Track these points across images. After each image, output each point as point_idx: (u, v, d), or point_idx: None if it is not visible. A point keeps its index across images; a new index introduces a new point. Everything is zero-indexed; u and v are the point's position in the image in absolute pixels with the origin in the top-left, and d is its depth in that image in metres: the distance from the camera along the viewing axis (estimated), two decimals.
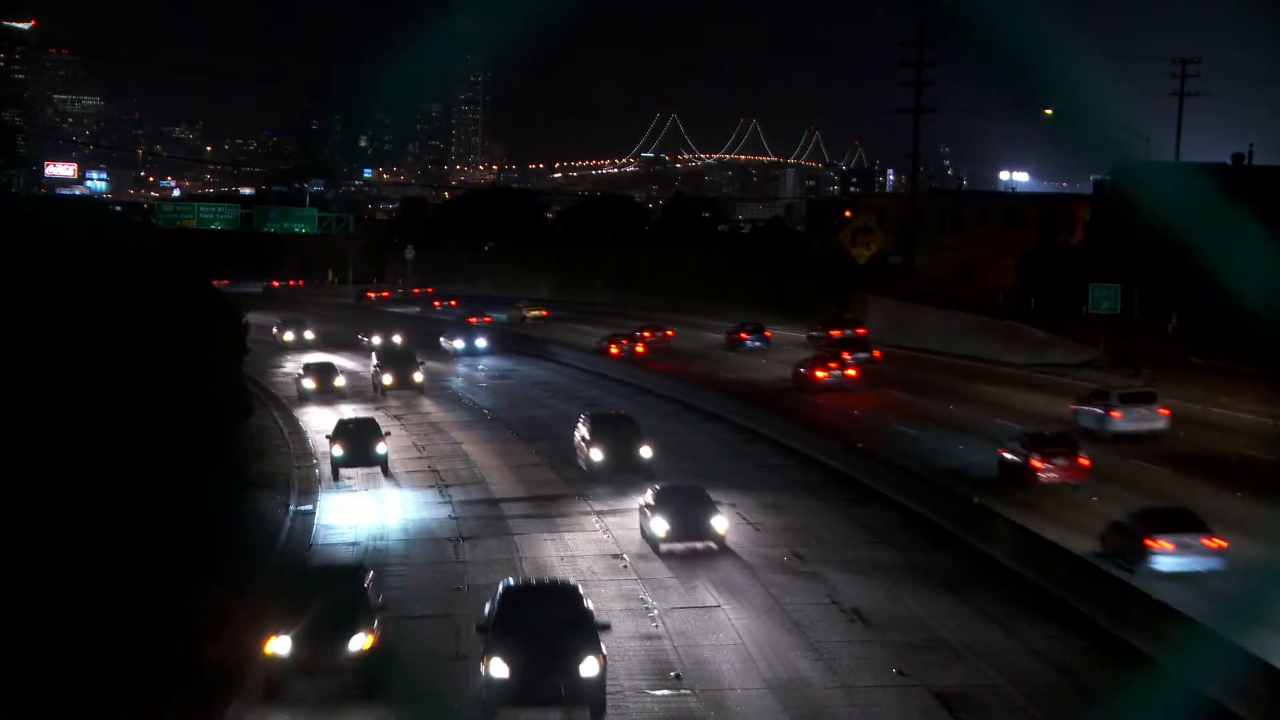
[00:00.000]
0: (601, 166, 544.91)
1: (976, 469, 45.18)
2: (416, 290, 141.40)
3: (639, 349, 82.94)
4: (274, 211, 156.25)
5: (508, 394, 70.94)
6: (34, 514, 27.87)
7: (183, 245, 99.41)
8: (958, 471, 44.49)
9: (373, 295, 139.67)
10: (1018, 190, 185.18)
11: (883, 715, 25.38)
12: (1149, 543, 32.65)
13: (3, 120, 71.07)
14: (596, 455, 46.64)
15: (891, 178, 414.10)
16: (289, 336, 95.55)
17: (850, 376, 66.47)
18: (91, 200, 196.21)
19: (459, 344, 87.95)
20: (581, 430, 48.99)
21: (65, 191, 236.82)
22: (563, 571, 34.63)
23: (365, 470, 49.13)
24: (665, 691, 26.56)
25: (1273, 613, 26.76)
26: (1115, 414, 50.17)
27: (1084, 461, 42.88)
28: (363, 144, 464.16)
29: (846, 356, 68.53)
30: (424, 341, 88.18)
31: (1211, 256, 54.66)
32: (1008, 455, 44.25)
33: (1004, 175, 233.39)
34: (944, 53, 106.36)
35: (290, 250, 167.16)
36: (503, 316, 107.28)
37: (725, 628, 30.50)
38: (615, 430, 47.71)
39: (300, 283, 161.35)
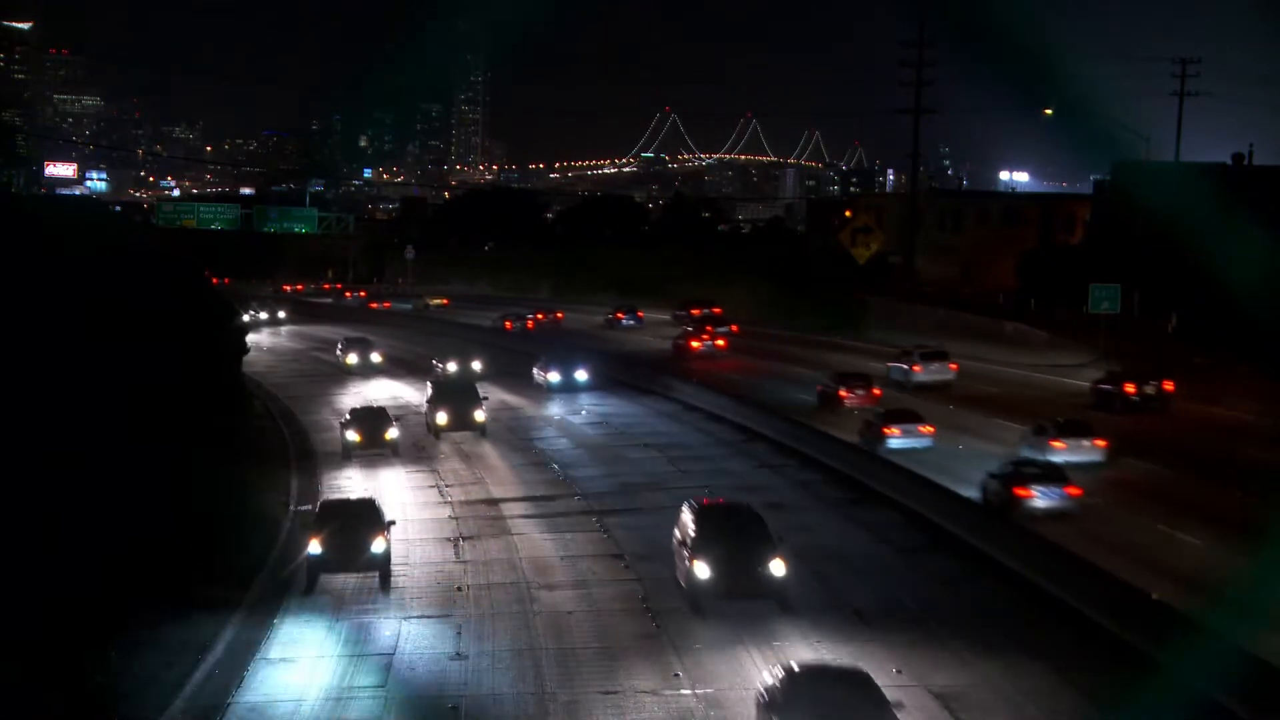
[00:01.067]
0: (601, 166, 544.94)
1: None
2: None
3: (529, 324, 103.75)
4: (274, 211, 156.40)
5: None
6: (34, 514, 27.88)
7: (183, 245, 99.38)
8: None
9: (375, 306, 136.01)
10: (1018, 190, 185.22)
11: None
12: (885, 430, 48.74)
13: (3, 120, 71.12)
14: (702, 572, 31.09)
15: (891, 178, 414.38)
16: (353, 360, 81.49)
17: (719, 346, 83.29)
18: (91, 200, 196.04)
19: (554, 376, 68.79)
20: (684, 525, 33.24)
21: (65, 191, 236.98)
22: None
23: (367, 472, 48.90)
24: (665, 691, 26.56)
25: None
26: (917, 368, 64.28)
27: (876, 392, 58.21)
28: (363, 144, 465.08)
29: (711, 330, 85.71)
30: (509, 368, 75.66)
31: (1211, 256, 54.67)
32: (822, 388, 60.02)
33: (1004, 175, 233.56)
34: (944, 53, 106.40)
35: (290, 250, 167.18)
36: (408, 305, 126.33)
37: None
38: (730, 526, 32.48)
39: (300, 286, 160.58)
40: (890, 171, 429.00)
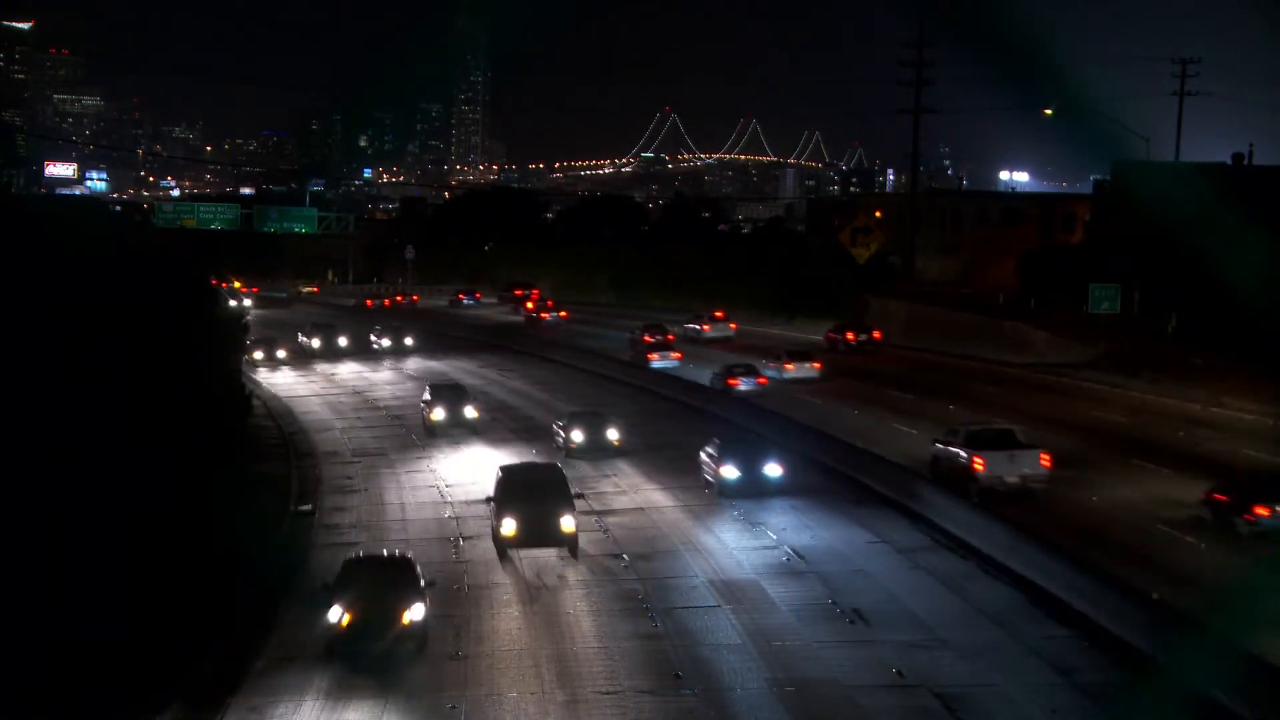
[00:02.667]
0: (601, 166, 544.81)
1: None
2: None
3: (385, 303, 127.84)
4: (274, 211, 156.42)
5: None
6: (33, 514, 27.86)
7: (183, 245, 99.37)
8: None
9: (396, 300, 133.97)
10: (1018, 190, 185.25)
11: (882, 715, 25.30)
12: (730, 381, 64.88)
13: (3, 120, 71.08)
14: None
15: (891, 178, 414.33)
16: (438, 416, 57.00)
17: (562, 316, 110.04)
18: (91, 200, 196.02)
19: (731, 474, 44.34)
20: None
21: (65, 191, 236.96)
22: None
23: (366, 470, 49.07)
24: (665, 692, 26.55)
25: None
26: (788, 365, 72.38)
27: (762, 380, 66.33)
28: (363, 144, 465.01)
29: (551, 304, 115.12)
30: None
31: (1211, 256, 54.65)
32: (941, 446, 45.92)
33: (1004, 175, 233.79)
34: (944, 53, 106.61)
35: (290, 250, 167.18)
36: (284, 294, 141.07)
37: (725, 628, 30.45)
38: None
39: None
40: (890, 171, 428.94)
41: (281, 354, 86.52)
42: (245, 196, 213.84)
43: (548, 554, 37.08)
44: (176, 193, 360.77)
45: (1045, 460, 41.57)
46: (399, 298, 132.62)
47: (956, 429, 44.57)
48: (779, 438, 48.98)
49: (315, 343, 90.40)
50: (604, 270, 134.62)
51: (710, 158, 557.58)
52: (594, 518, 40.58)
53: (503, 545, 35.85)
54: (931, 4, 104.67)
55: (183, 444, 36.66)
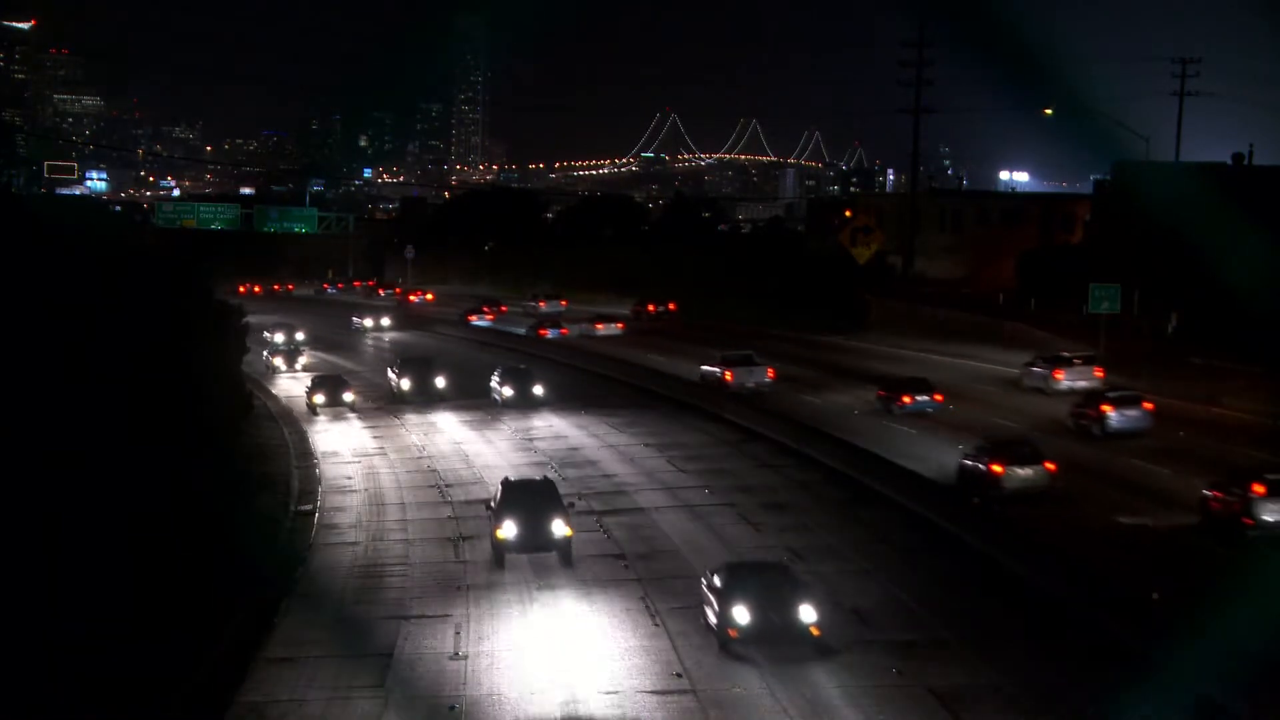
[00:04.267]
0: (601, 166, 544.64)
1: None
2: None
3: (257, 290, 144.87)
4: (274, 211, 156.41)
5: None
6: (34, 514, 27.87)
7: (183, 245, 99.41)
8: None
9: (415, 297, 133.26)
10: (1018, 190, 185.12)
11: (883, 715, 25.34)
12: (540, 331, 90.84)
13: (3, 120, 71.11)
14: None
15: (891, 178, 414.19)
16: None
17: (429, 299, 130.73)
18: (91, 200, 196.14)
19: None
20: None
21: (65, 191, 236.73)
22: None
23: (365, 470, 49.12)
24: (665, 692, 26.55)
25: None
26: (598, 325, 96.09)
27: (564, 330, 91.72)
28: (363, 144, 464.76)
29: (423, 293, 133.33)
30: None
31: (1211, 256, 54.66)
32: (706, 368, 67.66)
33: (1004, 175, 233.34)
34: (944, 53, 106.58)
35: (290, 250, 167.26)
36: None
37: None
38: None
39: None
40: (890, 171, 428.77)
41: (349, 397, 65.63)
42: (245, 196, 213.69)
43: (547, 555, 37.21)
44: (176, 193, 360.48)
45: (770, 373, 65.21)
46: (276, 287, 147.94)
47: (716, 355, 68.38)
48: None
49: (405, 384, 67.05)
50: (604, 270, 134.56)
51: (710, 158, 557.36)
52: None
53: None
54: (931, 4, 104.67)
55: (182, 443, 36.68)
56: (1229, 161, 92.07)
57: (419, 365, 69.10)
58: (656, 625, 30.66)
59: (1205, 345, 65.94)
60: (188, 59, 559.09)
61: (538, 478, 41.21)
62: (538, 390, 64.17)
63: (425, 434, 58.60)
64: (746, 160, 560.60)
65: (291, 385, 75.82)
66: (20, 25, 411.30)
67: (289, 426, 61.10)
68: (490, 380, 66.11)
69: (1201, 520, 37.86)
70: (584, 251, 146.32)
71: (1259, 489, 36.33)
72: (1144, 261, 74.08)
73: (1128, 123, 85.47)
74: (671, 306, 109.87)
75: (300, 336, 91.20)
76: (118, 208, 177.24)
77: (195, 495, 35.61)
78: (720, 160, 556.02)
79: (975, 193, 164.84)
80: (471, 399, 66.32)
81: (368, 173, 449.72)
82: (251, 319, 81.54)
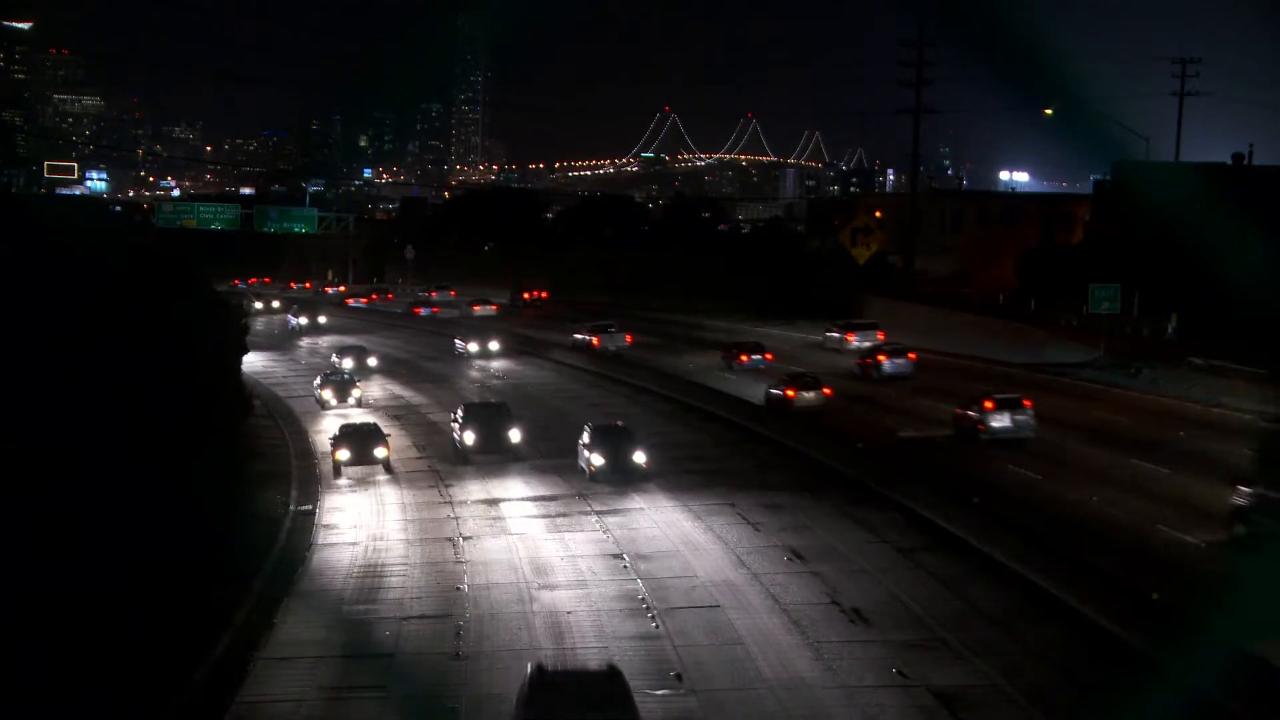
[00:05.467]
0: (601, 166, 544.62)
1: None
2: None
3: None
4: (274, 211, 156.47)
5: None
6: (32, 514, 27.85)
7: (183, 245, 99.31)
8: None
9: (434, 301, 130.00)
10: (1018, 190, 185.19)
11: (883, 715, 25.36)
12: (415, 310, 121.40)
13: (3, 120, 71.07)
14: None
15: (891, 178, 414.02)
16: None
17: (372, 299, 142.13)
18: (91, 200, 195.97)
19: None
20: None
21: (65, 191, 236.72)
22: None
23: (364, 470, 49.17)
24: (665, 691, 26.54)
25: None
26: (475, 307, 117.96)
27: (435, 310, 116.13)
28: (363, 144, 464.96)
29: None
30: None
31: (1211, 256, 54.67)
32: (577, 336, 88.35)
33: (1004, 175, 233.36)
34: (944, 53, 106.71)
35: (290, 250, 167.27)
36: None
37: (725, 628, 30.43)
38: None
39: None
40: (890, 171, 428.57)
41: (382, 453, 50.45)
42: (245, 196, 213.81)
43: (549, 554, 37.17)
44: (176, 193, 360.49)
45: (629, 339, 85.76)
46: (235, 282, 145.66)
47: (585, 325, 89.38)
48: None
49: (469, 437, 51.58)
50: (604, 270, 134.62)
51: (710, 158, 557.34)
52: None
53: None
54: (932, 4, 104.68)
55: (181, 443, 36.67)
56: (1229, 161, 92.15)
57: (487, 413, 53.19)
58: (656, 625, 30.66)
59: (1205, 345, 65.96)
60: (188, 59, 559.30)
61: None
62: (639, 458, 46.88)
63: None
64: (746, 160, 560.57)
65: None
66: (20, 25, 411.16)
67: (289, 426, 61.15)
68: (580, 439, 49.32)
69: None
70: (584, 252, 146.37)
71: (989, 405, 50.06)
72: (1144, 261, 74.09)
73: (1128, 123, 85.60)
74: (543, 295, 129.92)
75: (373, 362, 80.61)
76: (118, 208, 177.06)
77: (195, 495, 35.59)
78: (720, 160, 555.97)
79: (975, 193, 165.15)
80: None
81: (368, 173, 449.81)
82: (324, 340, 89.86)
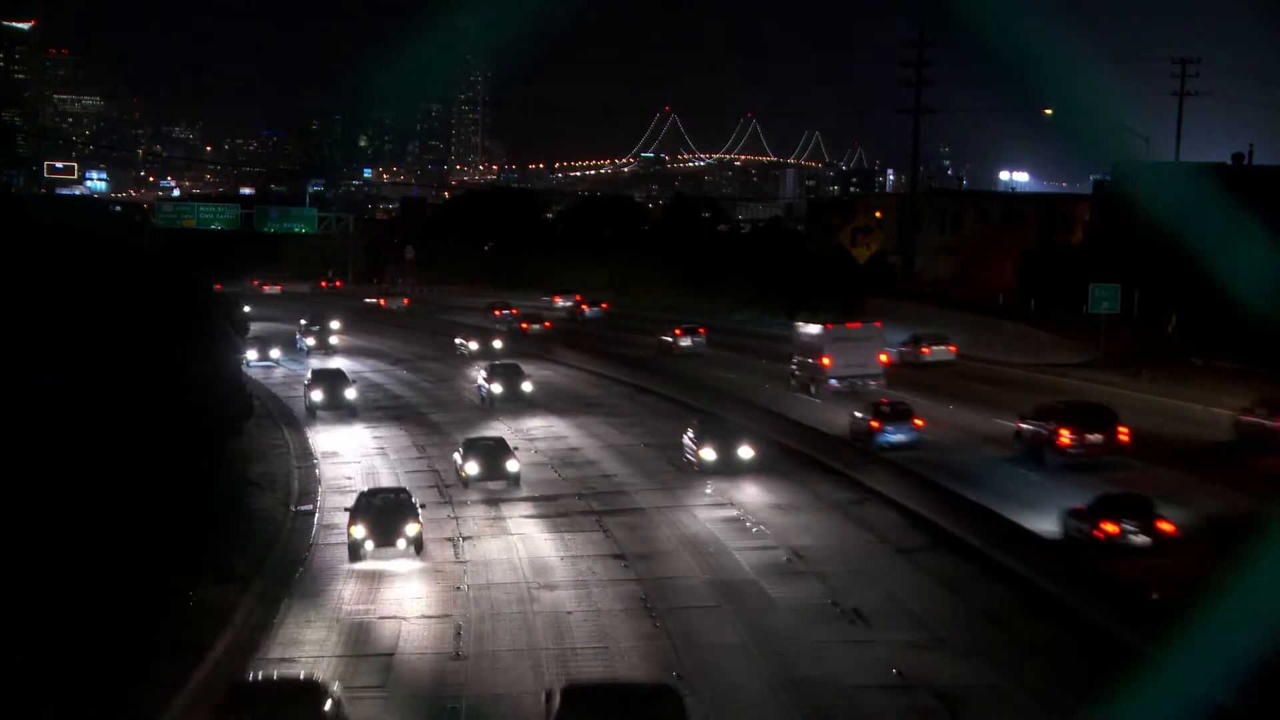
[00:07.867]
0: (601, 166, 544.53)
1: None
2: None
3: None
4: (274, 211, 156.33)
5: None
6: (32, 514, 27.85)
7: (183, 245, 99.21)
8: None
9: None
10: (1018, 190, 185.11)
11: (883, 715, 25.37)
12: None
13: (3, 120, 71.10)
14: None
15: (891, 178, 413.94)
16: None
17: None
18: (91, 200, 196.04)
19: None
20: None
21: (65, 191, 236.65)
22: None
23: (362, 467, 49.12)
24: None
25: None
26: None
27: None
28: (363, 144, 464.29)
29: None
30: None
31: (1211, 257, 54.63)
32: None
33: (1004, 175, 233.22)
34: (944, 53, 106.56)
35: (290, 250, 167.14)
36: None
37: (726, 628, 30.45)
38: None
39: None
40: (890, 171, 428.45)
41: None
42: (245, 196, 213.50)
43: (548, 553, 37.20)
44: (176, 193, 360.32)
45: (583, 307, 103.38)
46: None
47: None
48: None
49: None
50: (603, 270, 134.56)
51: (710, 158, 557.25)
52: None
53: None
54: (932, 4, 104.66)
55: (182, 443, 36.67)
56: (1229, 161, 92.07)
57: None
58: (656, 625, 30.66)
59: (1205, 345, 65.93)
60: (188, 59, 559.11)
61: None
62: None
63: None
64: (746, 160, 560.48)
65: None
66: (20, 25, 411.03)
67: (289, 427, 61.16)
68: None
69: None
70: (584, 252, 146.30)
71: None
72: (1144, 261, 74.01)
73: (1128, 123, 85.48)
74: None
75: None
76: (117, 208, 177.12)
77: (194, 495, 35.60)
78: (720, 160, 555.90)
79: (975, 193, 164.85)
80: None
81: (368, 173, 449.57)
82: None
